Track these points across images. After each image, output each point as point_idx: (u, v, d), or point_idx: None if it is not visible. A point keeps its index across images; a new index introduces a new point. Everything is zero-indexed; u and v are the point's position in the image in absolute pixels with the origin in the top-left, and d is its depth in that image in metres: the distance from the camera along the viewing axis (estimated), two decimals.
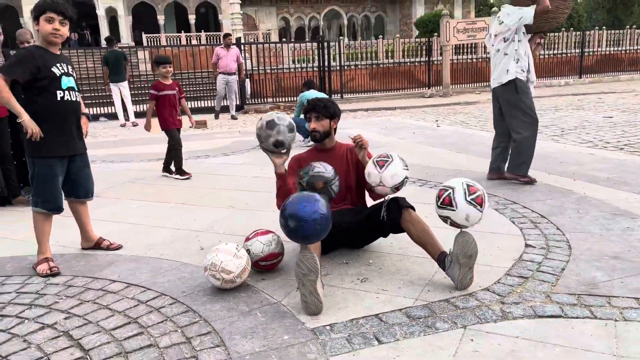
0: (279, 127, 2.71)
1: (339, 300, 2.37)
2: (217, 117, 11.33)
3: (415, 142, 6.86)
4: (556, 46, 18.13)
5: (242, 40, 14.28)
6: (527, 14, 4.21)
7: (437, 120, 9.22)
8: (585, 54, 17.71)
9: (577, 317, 2.12)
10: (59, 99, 2.84)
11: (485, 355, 1.88)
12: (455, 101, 12.59)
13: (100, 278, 2.75)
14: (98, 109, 12.56)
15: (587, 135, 6.85)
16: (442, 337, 2.02)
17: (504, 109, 4.44)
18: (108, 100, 11.88)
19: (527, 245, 2.95)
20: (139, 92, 14.33)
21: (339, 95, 13.84)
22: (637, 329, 2.01)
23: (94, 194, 3.22)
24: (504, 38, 4.38)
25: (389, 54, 16.00)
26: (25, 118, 2.73)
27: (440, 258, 2.50)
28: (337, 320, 2.19)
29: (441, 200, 2.42)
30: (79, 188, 3.06)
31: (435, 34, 16.62)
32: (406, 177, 2.66)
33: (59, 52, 2.93)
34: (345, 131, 8.15)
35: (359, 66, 15.30)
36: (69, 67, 2.93)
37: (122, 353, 2.01)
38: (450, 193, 2.40)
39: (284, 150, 2.80)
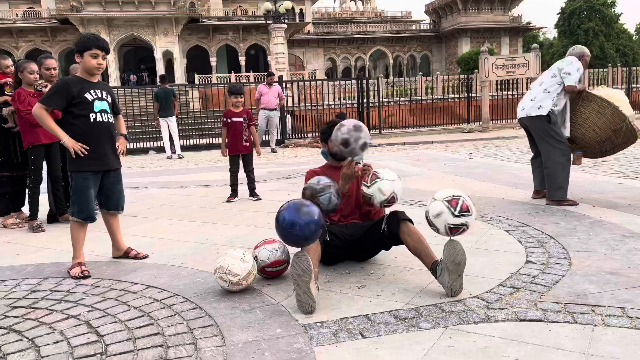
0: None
1: (334, 303, 2.54)
2: None
3: (443, 172, 6.96)
4: (604, 81, 17.89)
5: (285, 78, 14.87)
6: (573, 76, 4.37)
7: (470, 153, 9.28)
8: (633, 89, 17.31)
9: (557, 322, 2.20)
10: (91, 120, 3.20)
11: (457, 350, 1.99)
12: (494, 136, 12.57)
13: (124, 281, 3.03)
14: (148, 143, 13.31)
15: (620, 166, 6.75)
16: (422, 334, 2.15)
17: (536, 137, 4.62)
18: (157, 136, 12.58)
19: (527, 262, 3.02)
20: (188, 127, 15.11)
21: (378, 130, 14.11)
22: (614, 332, 2.07)
23: (124, 207, 3.54)
24: (554, 74, 4.53)
25: (429, 91, 16.21)
26: (64, 139, 3.12)
27: (433, 266, 2.63)
28: (328, 318, 2.35)
29: (459, 208, 2.45)
30: (111, 201, 3.40)
31: (476, 70, 16.74)
32: (395, 193, 2.86)
33: (96, 80, 3.31)
34: (377, 162, 8.39)
35: (399, 102, 15.57)
36: (104, 92, 3.30)
37: (132, 339, 2.24)
38: (464, 199, 2.50)
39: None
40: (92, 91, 3.22)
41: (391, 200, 2.87)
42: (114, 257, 3.51)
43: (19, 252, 3.84)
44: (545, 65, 16.25)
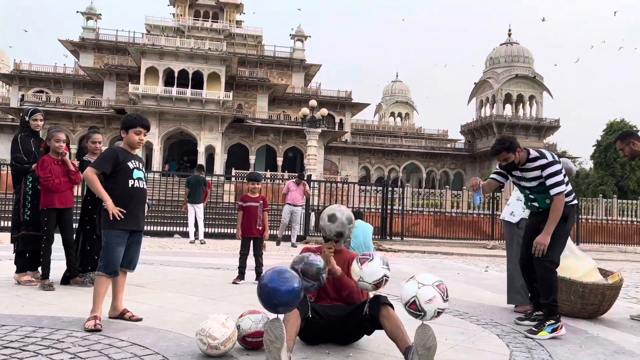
0: (341, 219, 3.17)
1: None
2: (278, 243, 11.98)
3: (454, 280, 6.92)
4: (635, 214, 17.73)
5: (313, 178, 15.42)
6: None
7: (487, 266, 9.20)
8: None
9: None
10: (130, 185, 3.59)
11: None
12: None
13: (112, 337, 3.14)
14: (175, 227, 13.75)
15: (636, 293, 6.59)
16: None
17: (506, 240, 4.89)
18: (184, 221, 13.01)
19: None
20: (217, 216, 15.57)
21: (400, 237, 14.18)
22: None
23: (135, 267, 3.76)
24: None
25: (455, 204, 16.39)
26: (109, 203, 3.46)
27: (406, 351, 2.66)
28: None
29: (446, 292, 2.61)
30: (125, 259, 3.62)
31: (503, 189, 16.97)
32: (385, 276, 2.94)
33: (134, 153, 3.76)
34: (392, 265, 8.38)
35: (424, 212, 15.75)
36: (140, 163, 3.76)
37: None
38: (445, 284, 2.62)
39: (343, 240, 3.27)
40: (133, 161, 3.67)
41: (378, 285, 2.97)
42: (110, 317, 3.64)
43: (24, 304, 4.02)
44: (576, 191, 16.34)
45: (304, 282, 2.77)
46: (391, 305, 2.92)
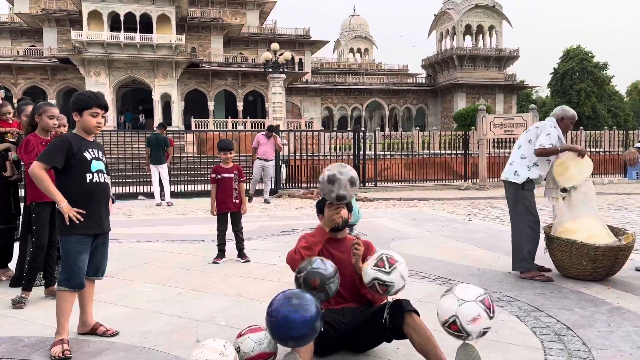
0: (340, 181, 2.64)
1: None
2: (250, 200, 11.45)
3: (442, 235, 6.65)
4: (600, 144, 17.97)
5: (282, 128, 14.76)
6: (540, 139, 4.28)
7: (469, 214, 9.00)
8: None
9: None
10: (88, 181, 2.96)
11: None
12: (492, 195, 12.34)
13: None
14: (138, 187, 12.98)
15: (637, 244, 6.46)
16: None
17: (508, 203, 4.53)
18: (148, 180, 12.27)
19: None
20: (181, 173, 14.84)
21: (373, 183, 13.88)
22: None
23: (104, 274, 3.20)
24: (529, 139, 4.46)
25: (426, 145, 16.12)
26: (63, 205, 2.85)
27: None
28: None
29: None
30: (91, 266, 3.06)
31: (473, 127, 16.76)
32: (404, 285, 2.54)
33: (91, 139, 3.10)
34: (374, 220, 8.08)
35: (395, 156, 15.44)
36: (100, 152, 3.10)
37: None
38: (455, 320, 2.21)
39: (345, 202, 2.74)
40: (90, 150, 3.02)
41: (398, 292, 2.55)
42: (79, 334, 3.12)
43: None
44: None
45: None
46: (416, 312, 2.51)
